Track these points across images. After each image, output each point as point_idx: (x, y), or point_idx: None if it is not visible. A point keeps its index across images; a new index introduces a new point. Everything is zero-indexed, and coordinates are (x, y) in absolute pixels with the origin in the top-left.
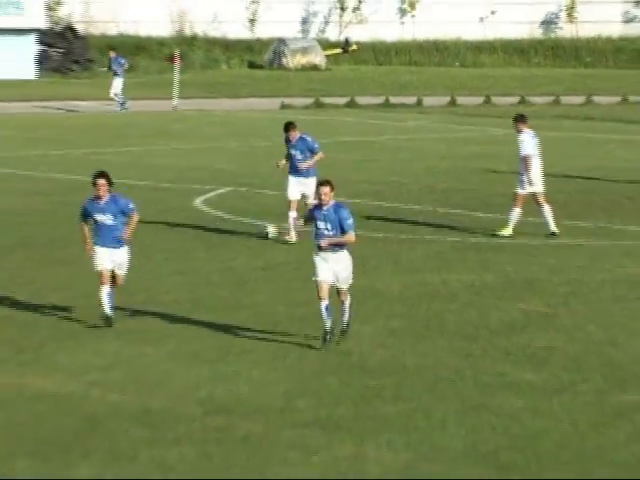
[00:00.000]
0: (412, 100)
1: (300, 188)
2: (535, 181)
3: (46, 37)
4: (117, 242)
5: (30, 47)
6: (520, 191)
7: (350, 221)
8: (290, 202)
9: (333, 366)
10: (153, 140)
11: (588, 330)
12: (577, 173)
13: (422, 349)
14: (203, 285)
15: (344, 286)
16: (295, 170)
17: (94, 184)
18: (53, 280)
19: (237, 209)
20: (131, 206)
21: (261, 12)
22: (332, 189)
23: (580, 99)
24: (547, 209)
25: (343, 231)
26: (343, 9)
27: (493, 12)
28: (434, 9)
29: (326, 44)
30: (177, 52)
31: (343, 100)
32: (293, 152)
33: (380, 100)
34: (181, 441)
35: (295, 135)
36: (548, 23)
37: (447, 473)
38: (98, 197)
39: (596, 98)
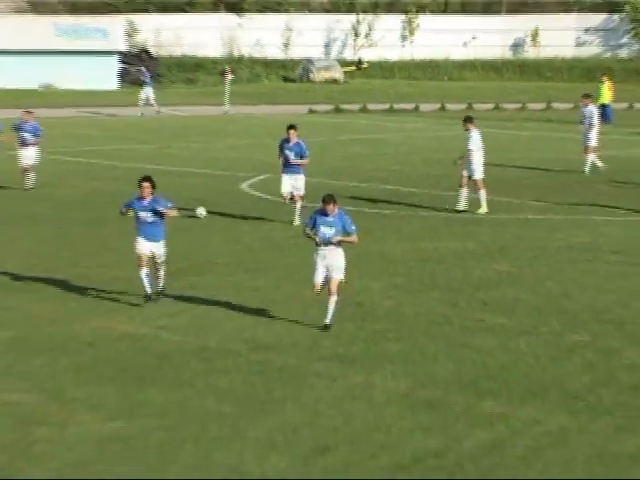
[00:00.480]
0: (411, 106)
1: (291, 182)
2: (476, 169)
3: (126, 57)
4: (155, 237)
5: (113, 65)
6: (477, 177)
7: (354, 227)
8: (284, 195)
9: (349, 314)
10: (209, 138)
11: (547, 285)
12: (539, 164)
13: (418, 300)
14: (247, 251)
15: (335, 276)
16: (287, 168)
17: (140, 186)
18: (133, 248)
19: (274, 191)
20: (170, 204)
21: (293, 38)
22: (335, 203)
23: (542, 106)
24: (483, 192)
25: (347, 234)
26: (357, 35)
27: (474, 38)
28: (428, 35)
29: (343, 63)
30: (228, 68)
31: (357, 107)
32: (288, 152)
33: (386, 106)
34: (230, 372)
35: (294, 138)
36: (516, 46)
37: (439, 397)
38: (142, 197)
39: (554, 105)
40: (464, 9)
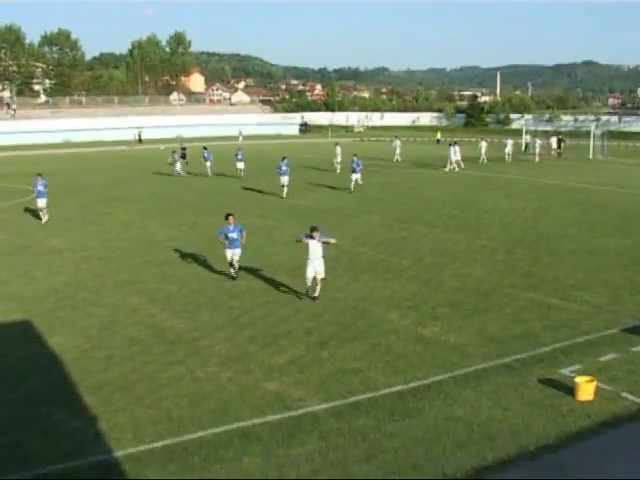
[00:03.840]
0: (383, 138)
1: (283, 180)
2: (338, 159)
3: (300, 125)
4: (236, 246)
5: (296, 127)
6: (339, 161)
7: (327, 236)
8: (283, 186)
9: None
10: (324, 148)
11: (437, 178)
12: (384, 156)
13: (426, 180)
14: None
15: (320, 276)
16: (281, 173)
17: (226, 218)
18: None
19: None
20: (242, 228)
21: (348, 118)
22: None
23: (420, 139)
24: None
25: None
26: (367, 118)
27: (399, 118)
28: (387, 118)
29: (362, 126)
30: (330, 128)
31: (367, 138)
32: (283, 167)
33: (374, 138)
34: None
35: (283, 162)
36: (413, 121)
37: (395, 220)
38: (229, 224)
39: (421, 138)
40: (399, 110)
